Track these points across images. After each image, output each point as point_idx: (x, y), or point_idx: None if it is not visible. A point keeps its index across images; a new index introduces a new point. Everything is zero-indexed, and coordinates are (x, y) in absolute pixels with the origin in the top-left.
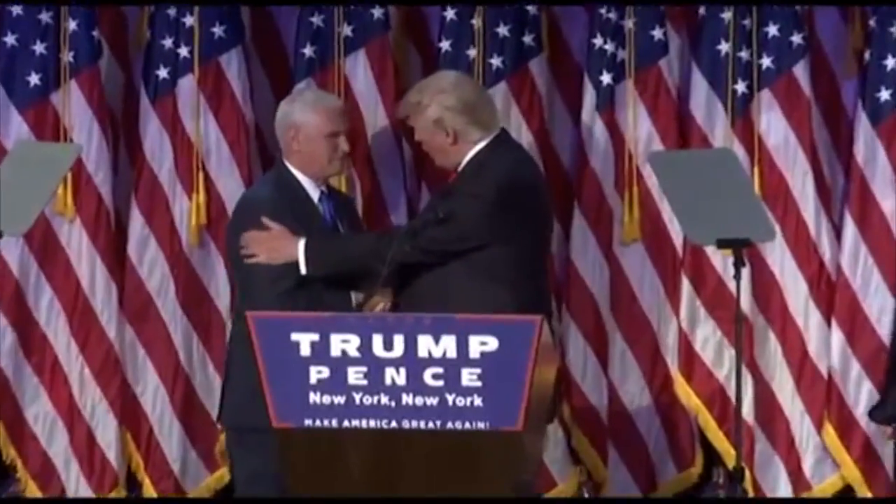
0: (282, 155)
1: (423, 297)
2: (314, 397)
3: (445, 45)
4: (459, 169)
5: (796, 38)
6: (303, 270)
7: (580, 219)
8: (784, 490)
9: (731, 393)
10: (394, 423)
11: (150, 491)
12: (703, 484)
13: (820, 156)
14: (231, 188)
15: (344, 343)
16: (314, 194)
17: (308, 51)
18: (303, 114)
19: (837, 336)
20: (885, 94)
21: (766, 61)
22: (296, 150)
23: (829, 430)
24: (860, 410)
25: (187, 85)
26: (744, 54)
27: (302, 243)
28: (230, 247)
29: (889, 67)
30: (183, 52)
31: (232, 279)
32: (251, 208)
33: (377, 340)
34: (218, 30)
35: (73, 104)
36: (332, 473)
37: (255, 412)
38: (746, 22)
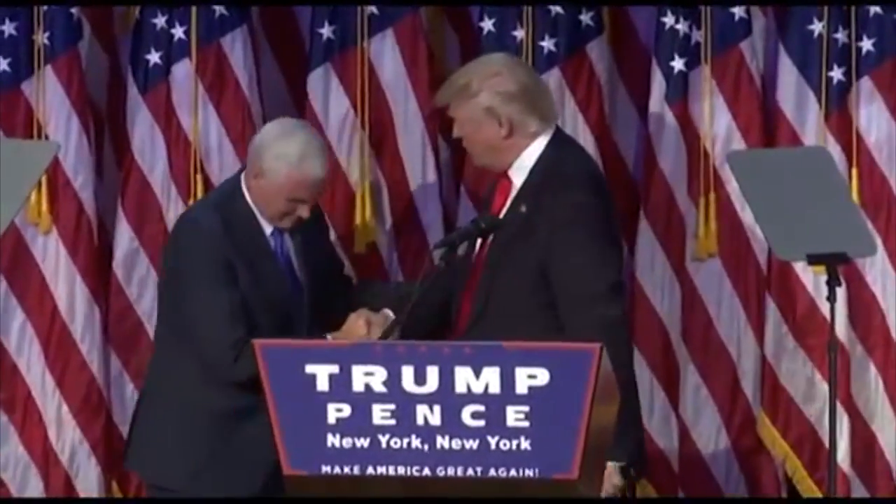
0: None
1: None
2: (333, 440)
3: (488, 24)
4: (520, 175)
5: None
6: None
7: (647, 230)
8: None
9: (824, 435)
10: (426, 470)
11: None
12: None
13: None
14: None
15: (368, 376)
16: (267, 227)
17: (326, 31)
18: (275, 164)
19: None
20: None
21: (867, 44)
22: (254, 186)
23: None
24: None
25: (183, 72)
26: (840, 35)
27: None
28: (166, 278)
29: None
30: (178, 32)
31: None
32: (192, 239)
33: (407, 373)
34: (219, 7)
35: (49, 94)
36: None
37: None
38: None
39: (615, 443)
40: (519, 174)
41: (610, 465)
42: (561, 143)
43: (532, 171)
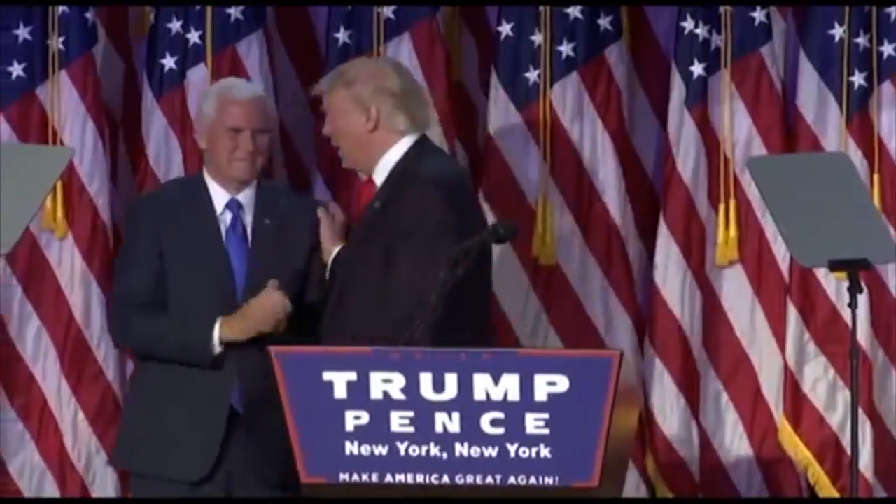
0: None
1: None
2: (351, 447)
3: (506, 28)
4: (382, 176)
5: None
6: None
7: (666, 236)
8: None
9: (846, 443)
10: (445, 478)
11: None
12: None
13: None
14: None
15: (386, 383)
16: (219, 202)
17: (342, 35)
18: (206, 103)
19: None
20: None
21: (888, 48)
22: (202, 149)
23: None
24: None
25: (198, 76)
26: (861, 40)
27: None
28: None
29: None
30: (193, 37)
31: None
32: (127, 212)
33: (425, 380)
34: (235, 11)
35: (64, 99)
36: None
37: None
38: None
39: None
40: (381, 175)
41: None
42: (424, 148)
43: (392, 172)
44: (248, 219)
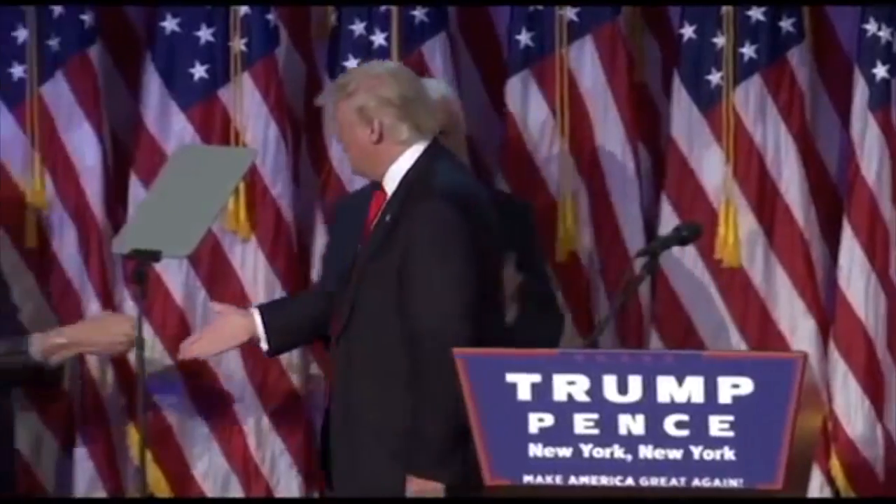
0: None
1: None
2: (535, 449)
3: (688, 31)
4: (392, 185)
5: None
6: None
7: (851, 238)
8: None
9: None
10: (629, 480)
11: None
12: None
13: None
14: None
15: (570, 385)
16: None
17: (524, 37)
18: None
19: None
20: None
21: None
22: None
23: None
24: None
25: None
26: None
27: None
28: None
29: None
30: (378, 39)
31: None
32: None
33: (609, 382)
34: (419, 13)
35: (246, 100)
36: None
37: None
38: None
39: (439, 461)
40: (391, 184)
41: (435, 484)
42: (435, 154)
43: (402, 181)
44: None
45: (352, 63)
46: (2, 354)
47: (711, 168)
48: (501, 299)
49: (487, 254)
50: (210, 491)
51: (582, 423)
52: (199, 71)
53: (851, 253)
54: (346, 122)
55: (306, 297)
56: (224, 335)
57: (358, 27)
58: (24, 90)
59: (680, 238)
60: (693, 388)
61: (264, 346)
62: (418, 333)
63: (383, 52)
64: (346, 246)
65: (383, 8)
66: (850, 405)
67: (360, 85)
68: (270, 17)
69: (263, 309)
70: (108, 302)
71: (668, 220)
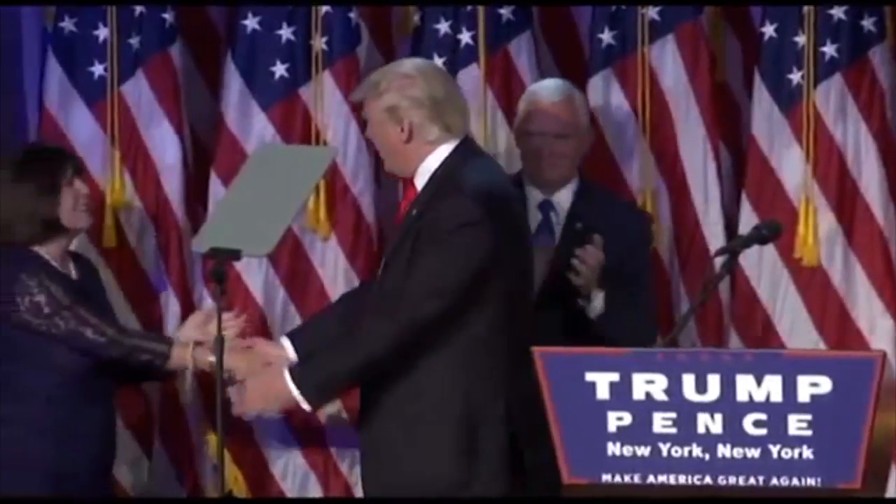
0: None
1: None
2: (613, 448)
3: (769, 29)
4: (422, 182)
5: None
6: (306, 407)
7: None
8: None
9: None
10: (707, 479)
11: None
12: None
13: None
14: None
15: (648, 384)
16: (533, 203)
17: (606, 36)
18: (520, 104)
19: None
20: None
21: None
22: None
23: None
24: None
25: (470, 77)
26: None
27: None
28: None
29: None
30: (464, 37)
31: None
32: None
33: (688, 381)
34: (505, 11)
35: (327, 99)
36: None
37: None
38: None
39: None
40: (421, 181)
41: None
42: (466, 153)
43: (431, 178)
44: (560, 221)
45: (437, 61)
46: (144, 361)
47: (791, 167)
48: (529, 292)
49: (513, 251)
50: (289, 490)
51: (660, 422)
52: (279, 69)
53: None
54: (376, 120)
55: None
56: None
57: (443, 26)
58: (104, 89)
59: (760, 237)
60: (772, 387)
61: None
62: (386, 295)
63: (469, 51)
64: None
65: (469, 7)
66: None
67: (391, 84)
68: (352, 15)
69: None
70: (187, 301)
71: (748, 219)
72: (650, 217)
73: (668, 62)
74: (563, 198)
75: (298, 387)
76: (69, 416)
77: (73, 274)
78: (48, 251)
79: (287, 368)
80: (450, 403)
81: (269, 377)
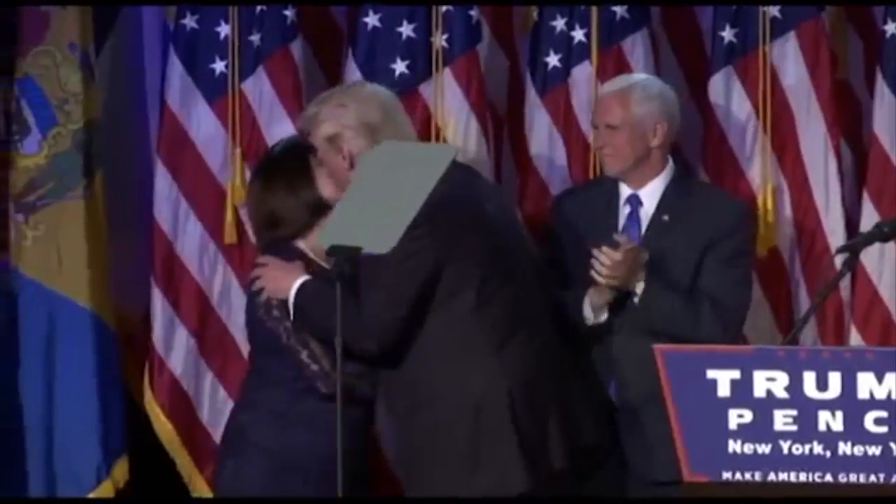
0: None
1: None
2: (734, 445)
3: (891, 27)
4: None
5: None
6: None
7: None
8: None
9: None
10: (828, 477)
11: None
12: None
13: None
14: None
15: (769, 382)
16: (623, 196)
17: (727, 34)
18: None
19: None
20: None
21: None
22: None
23: None
24: None
25: (583, 75)
26: None
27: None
28: None
29: None
30: (578, 35)
31: None
32: None
33: (809, 379)
34: (619, 9)
35: (447, 96)
36: None
37: None
38: None
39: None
40: None
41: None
42: None
43: None
44: (647, 214)
45: (552, 59)
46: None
47: None
48: (509, 281)
49: (471, 251)
50: None
51: (781, 420)
52: (399, 66)
53: None
54: (321, 149)
55: None
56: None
57: (559, 23)
58: (225, 86)
59: (881, 235)
60: (893, 385)
61: None
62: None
63: (583, 48)
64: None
65: (583, 6)
66: None
67: (328, 114)
68: (473, 12)
69: None
70: None
71: (870, 217)
72: (746, 207)
73: (789, 60)
74: (652, 190)
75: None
76: (314, 408)
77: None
78: (308, 244)
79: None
80: (455, 405)
81: (288, 268)
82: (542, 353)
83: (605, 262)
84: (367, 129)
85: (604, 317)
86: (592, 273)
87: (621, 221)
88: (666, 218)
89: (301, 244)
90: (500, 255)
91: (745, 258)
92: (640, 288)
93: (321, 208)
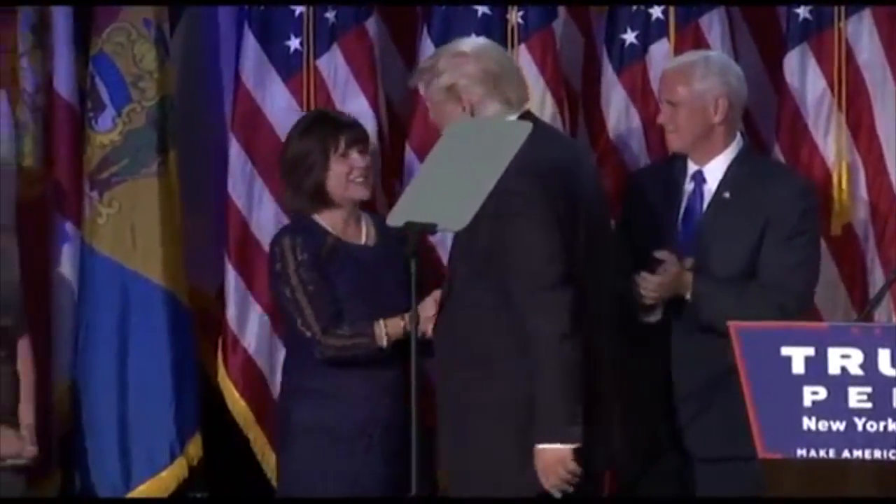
0: None
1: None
2: (808, 423)
3: None
4: None
5: None
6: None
7: None
8: None
9: None
10: None
11: None
12: None
13: None
14: None
15: (844, 359)
16: (689, 173)
17: (802, 11)
18: None
19: None
20: None
21: None
22: None
23: None
24: None
25: (661, 51)
26: None
27: None
28: None
29: None
30: (656, 12)
31: None
32: None
33: (884, 356)
34: None
35: (523, 73)
36: None
37: None
38: None
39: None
40: None
41: (559, 447)
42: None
43: None
44: (710, 191)
45: (629, 36)
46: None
47: None
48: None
49: (567, 218)
50: None
51: (855, 397)
52: None
53: None
54: (437, 101)
55: None
56: None
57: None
58: (300, 63)
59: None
60: None
61: None
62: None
63: (660, 25)
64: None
65: None
66: None
67: (447, 64)
68: None
69: None
70: None
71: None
72: (805, 183)
73: (864, 37)
74: (716, 167)
75: None
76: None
77: (363, 240)
78: (324, 218)
79: None
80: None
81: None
82: (593, 356)
83: (647, 286)
84: (489, 79)
85: (657, 317)
86: (637, 293)
87: (685, 199)
88: (727, 195)
89: (322, 221)
90: (586, 235)
91: (805, 237)
92: (689, 295)
93: (321, 197)
